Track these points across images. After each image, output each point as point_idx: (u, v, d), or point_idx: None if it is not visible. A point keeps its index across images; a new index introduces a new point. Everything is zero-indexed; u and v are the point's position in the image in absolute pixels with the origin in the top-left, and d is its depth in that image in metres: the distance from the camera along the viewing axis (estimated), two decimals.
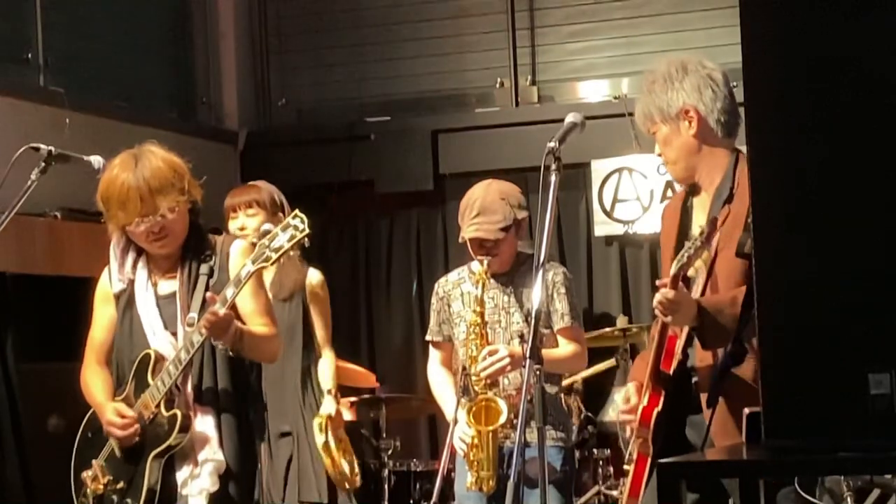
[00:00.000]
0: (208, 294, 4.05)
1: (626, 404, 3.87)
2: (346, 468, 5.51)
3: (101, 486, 4.24)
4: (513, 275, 4.87)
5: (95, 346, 4.35)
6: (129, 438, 4.16)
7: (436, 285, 5.09)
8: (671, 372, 3.70)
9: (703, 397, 3.66)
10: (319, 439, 5.38)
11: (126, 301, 4.26)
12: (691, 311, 3.60)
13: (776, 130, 2.36)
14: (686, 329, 3.71)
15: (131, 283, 4.26)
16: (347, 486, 5.55)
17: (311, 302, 5.57)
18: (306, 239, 3.96)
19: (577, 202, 8.02)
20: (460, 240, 4.89)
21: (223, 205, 5.50)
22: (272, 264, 4.02)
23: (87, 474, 4.28)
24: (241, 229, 5.37)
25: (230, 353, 4.11)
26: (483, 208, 4.78)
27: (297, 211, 4.00)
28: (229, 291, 4.00)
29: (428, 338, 5.08)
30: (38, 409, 6.49)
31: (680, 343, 3.71)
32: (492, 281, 4.86)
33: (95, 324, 4.37)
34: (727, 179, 3.76)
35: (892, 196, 2.28)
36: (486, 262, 4.77)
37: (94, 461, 4.29)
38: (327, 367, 5.56)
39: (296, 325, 5.50)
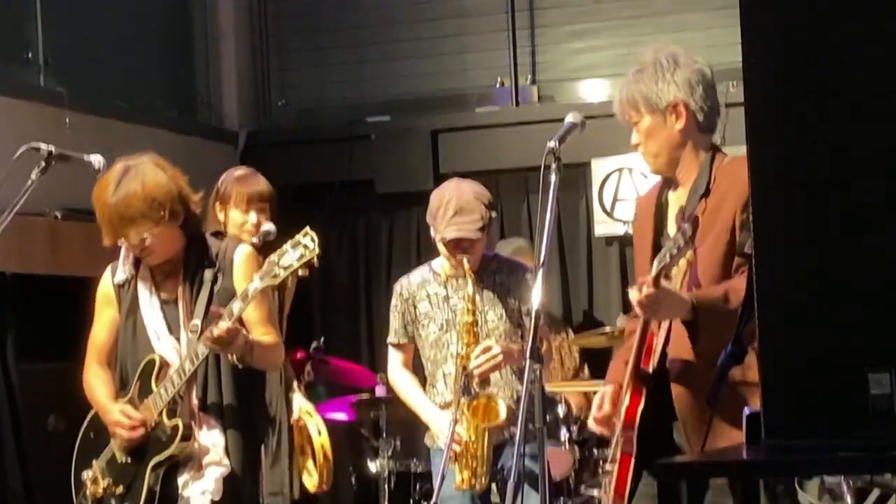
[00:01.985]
0: (213, 309, 4.03)
1: (598, 411, 3.83)
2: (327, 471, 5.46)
3: (101, 490, 4.23)
4: (481, 274, 4.89)
5: (97, 346, 4.35)
6: (135, 440, 4.16)
7: (397, 286, 5.07)
8: (650, 370, 3.68)
9: (676, 392, 3.64)
10: (318, 441, 5.33)
11: (129, 302, 4.25)
12: (680, 306, 3.56)
13: (776, 130, 2.36)
14: (665, 326, 3.69)
15: (134, 278, 4.25)
16: (325, 487, 5.50)
17: (285, 294, 5.38)
18: (315, 259, 3.92)
19: (577, 202, 8.02)
20: (439, 240, 4.87)
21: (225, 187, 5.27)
22: (280, 282, 3.98)
23: (87, 475, 4.28)
24: (256, 225, 5.25)
25: (239, 365, 4.10)
26: (460, 208, 4.80)
27: (307, 228, 3.94)
28: (236, 306, 3.97)
29: (392, 340, 5.07)
30: (38, 409, 6.48)
31: (659, 340, 3.69)
32: (460, 281, 4.88)
33: (97, 324, 4.36)
34: (703, 175, 3.73)
35: (892, 195, 2.28)
36: (466, 262, 4.80)
37: (94, 462, 4.28)
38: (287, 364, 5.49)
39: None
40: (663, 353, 3.68)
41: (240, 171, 5.44)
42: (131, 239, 4.09)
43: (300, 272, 3.91)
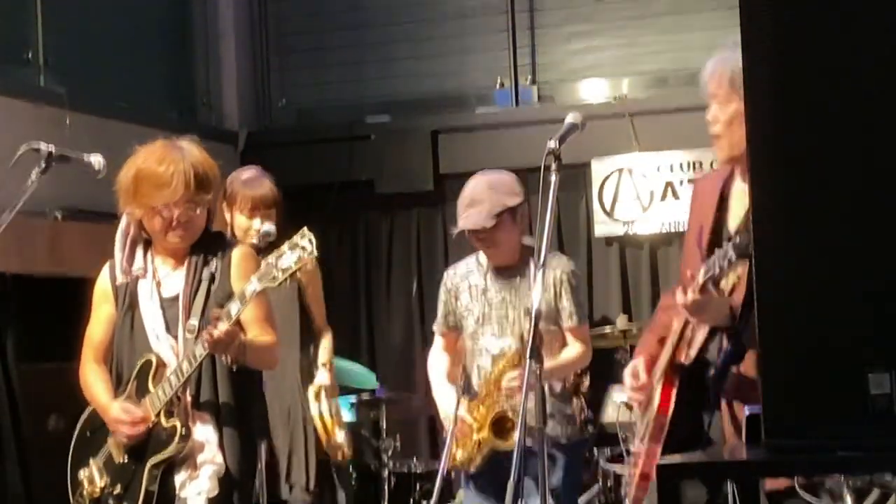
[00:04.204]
0: (211, 312, 4.02)
1: (634, 380, 3.79)
2: (341, 438, 5.40)
3: (98, 490, 4.22)
4: (521, 268, 4.85)
5: (94, 343, 4.33)
6: (135, 438, 4.15)
7: (445, 276, 5.10)
8: (686, 362, 3.66)
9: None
10: (314, 408, 5.26)
11: (128, 300, 4.23)
12: (723, 312, 3.55)
13: (776, 130, 2.36)
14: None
15: (136, 280, 4.23)
16: (340, 456, 5.44)
17: (307, 281, 5.34)
18: (314, 261, 3.90)
19: (577, 202, 8.02)
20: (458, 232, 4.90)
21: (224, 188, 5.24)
22: (279, 285, 3.93)
23: (83, 475, 4.27)
24: (259, 230, 5.22)
25: (233, 367, 4.09)
26: (472, 200, 4.82)
27: (304, 229, 3.89)
28: (234, 308, 3.95)
29: (435, 328, 5.09)
30: (38, 409, 6.49)
31: (697, 335, 3.64)
32: (496, 273, 4.88)
33: (94, 321, 4.34)
34: None
35: (892, 195, 2.28)
36: (484, 257, 4.81)
37: (91, 461, 4.27)
38: (326, 343, 5.45)
39: (292, 310, 5.31)
40: (704, 348, 3.65)
41: (247, 172, 5.42)
42: (195, 207, 4.09)
43: (298, 274, 3.89)
